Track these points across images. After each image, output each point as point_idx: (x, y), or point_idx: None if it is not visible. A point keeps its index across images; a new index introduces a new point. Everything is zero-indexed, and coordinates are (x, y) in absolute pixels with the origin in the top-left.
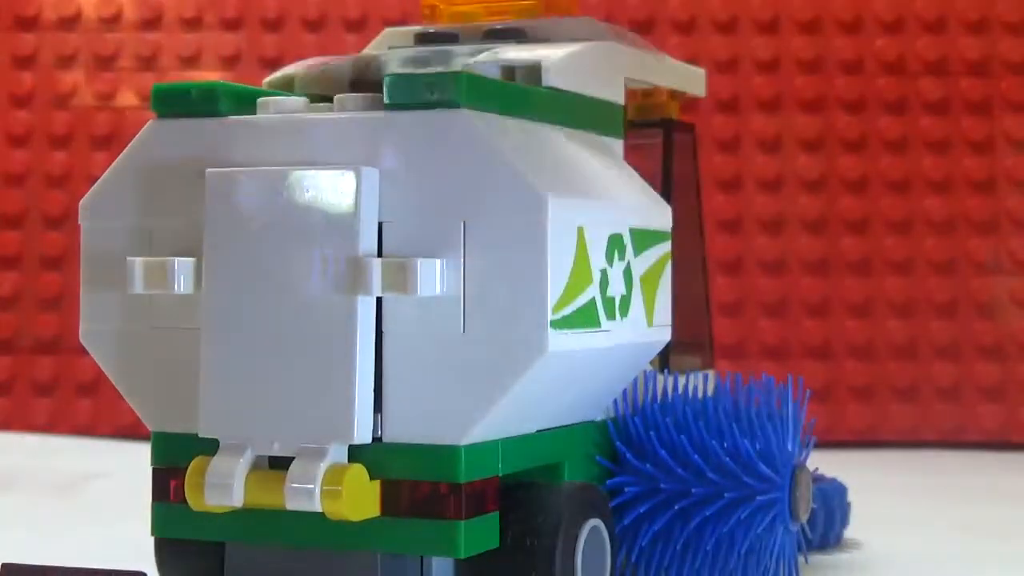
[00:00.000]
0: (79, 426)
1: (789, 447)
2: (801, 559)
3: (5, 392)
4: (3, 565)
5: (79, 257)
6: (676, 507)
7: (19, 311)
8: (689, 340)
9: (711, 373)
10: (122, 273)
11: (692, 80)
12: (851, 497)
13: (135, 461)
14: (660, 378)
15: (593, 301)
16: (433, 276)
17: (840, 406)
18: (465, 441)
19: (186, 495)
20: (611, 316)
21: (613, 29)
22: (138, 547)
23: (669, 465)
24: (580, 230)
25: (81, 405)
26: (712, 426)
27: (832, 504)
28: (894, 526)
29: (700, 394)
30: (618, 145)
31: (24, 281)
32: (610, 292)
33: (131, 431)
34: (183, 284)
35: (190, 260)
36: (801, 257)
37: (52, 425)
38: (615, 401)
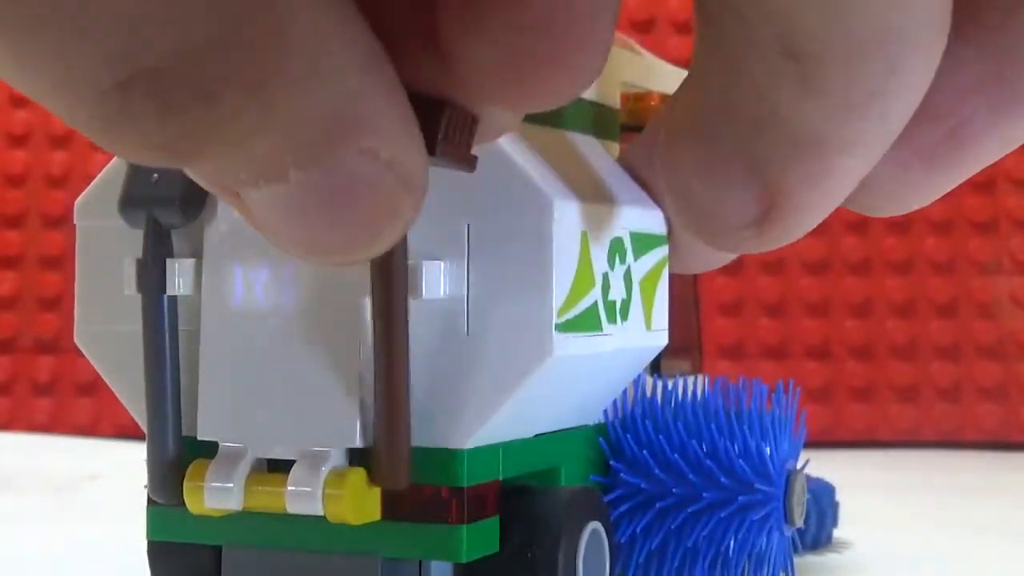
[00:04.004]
0: (79, 426)
1: (782, 452)
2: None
3: (5, 392)
4: None
5: None
6: (672, 526)
7: (19, 311)
8: (679, 344)
9: (700, 377)
10: (118, 274)
11: None
12: (850, 497)
13: (135, 461)
14: (652, 383)
15: (595, 305)
16: (437, 278)
17: (840, 406)
18: (468, 445)
19: (184, 498)
20: (612, 320)
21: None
22: (137, 546)
23: (664, 482)
24: (584, 234)
25: (81, 405)
26: (705, 438)
27: (822, 504)
28: (894, 525)
29: (690, 399)
30: (614, 148)
31: (24, 281)
32: (611, 296)
33: (131, 431)
34: (182, 286)
35: (191, 261)
36: (801, 257)
37: (52, 425)
38: (608, 406)
